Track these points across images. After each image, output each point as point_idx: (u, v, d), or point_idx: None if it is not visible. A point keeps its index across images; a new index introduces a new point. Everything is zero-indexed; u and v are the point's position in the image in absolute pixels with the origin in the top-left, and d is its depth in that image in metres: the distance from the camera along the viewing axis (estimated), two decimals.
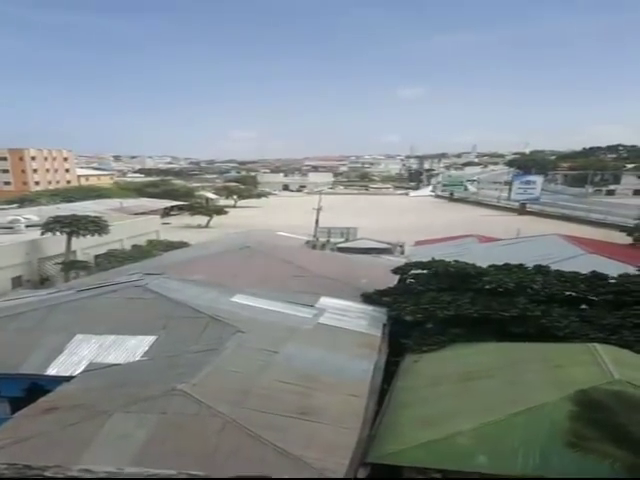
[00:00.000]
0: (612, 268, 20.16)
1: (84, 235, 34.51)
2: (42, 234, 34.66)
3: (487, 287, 17.26)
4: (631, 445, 7.79)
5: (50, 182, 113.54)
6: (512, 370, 13.35)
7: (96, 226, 35.08)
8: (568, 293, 17.46)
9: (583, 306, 17.26)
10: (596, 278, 17.59)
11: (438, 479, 9.42)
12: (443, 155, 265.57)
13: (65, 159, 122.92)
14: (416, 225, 60.43)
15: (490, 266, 18.67)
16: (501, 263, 19.06)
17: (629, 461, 7.58)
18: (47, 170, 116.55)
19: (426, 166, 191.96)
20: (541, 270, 18.58)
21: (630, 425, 8.11)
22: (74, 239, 35.01)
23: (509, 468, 9.05)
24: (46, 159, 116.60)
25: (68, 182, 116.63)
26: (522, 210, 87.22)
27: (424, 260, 20.30)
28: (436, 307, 16.81)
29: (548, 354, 14.10)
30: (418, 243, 39.87)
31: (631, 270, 19.43)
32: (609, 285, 17.21)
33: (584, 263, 22.53)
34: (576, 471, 8.57)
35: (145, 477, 6.67)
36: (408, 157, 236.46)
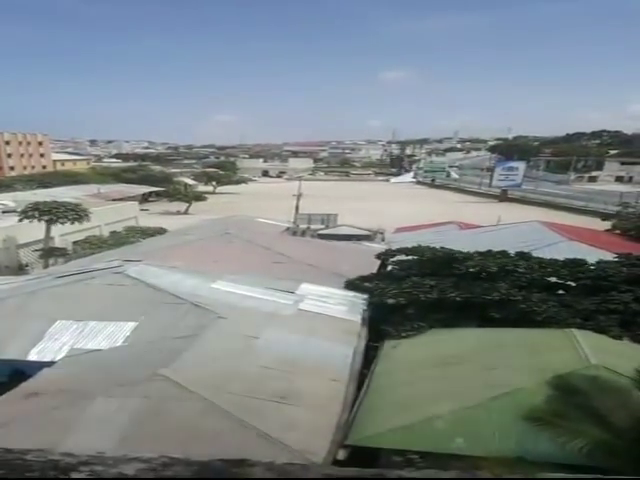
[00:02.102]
0: (591, 254, 20.51)
1: (63, 223, 34.16)
2: (20, 221, 34.25)
3: (471, 270, 17.49)
4: (603, 428, 8.02)
5: (25, 167, 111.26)
6: (490, 355, 13.58)
7: (75, 214, 34.71)
8: (548, 279, 17.73)
9: (561, 292, 17.54)
10: (575, 264, 17.85)
11: (416, 460, 9.58)
12: (425, 141, 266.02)
13: (40, 143, 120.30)
14: (396, 211, 60.44)
15: (474, 252, 18.87)
16: (482, 249, 19.28)
17: (602, 438, 7.80)
18: (22, 155, 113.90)
19: (408, 152, 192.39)
20: (523, 256, 18.82)
21: (603, 409, 8.33)
22: (52, 225, 34.64)
23: (485, 450, 9.23)
24: (20, 143, 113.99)
25: (44, 167, 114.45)
26: (503, 197, 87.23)
27: (409, 246, 20.45)
28: (419, 291, 16.98)
29: (527, 339, 14.33)
30: (398, 230, 39.98)
31: (608, 256, 19.77)
32: (587, 271, 17.48)
33: (564, 249, 22.94)
34: (550, 453, 8.76)
35: (125, 459, 6.63)
36: (390, 143, 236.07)
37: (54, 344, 13.97)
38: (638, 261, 17.96)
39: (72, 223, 34.48)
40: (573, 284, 17.52)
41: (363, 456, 9.84)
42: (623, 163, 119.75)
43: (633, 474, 7.52)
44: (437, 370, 13.13)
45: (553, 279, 17.76)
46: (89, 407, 10.06)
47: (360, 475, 1.18)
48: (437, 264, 18.31)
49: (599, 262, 17.99)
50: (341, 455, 9.56)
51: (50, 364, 12.91)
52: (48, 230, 34.48)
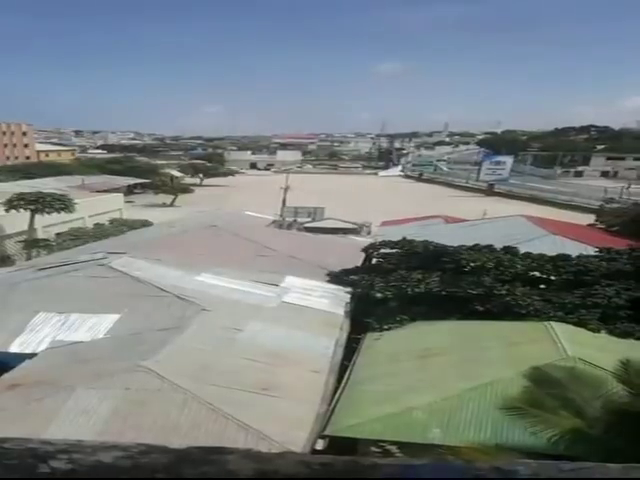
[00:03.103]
0: (574, 249, 20.77)
1: (49, 213, 33.88)
2: (7, 211, 33.94)
3: (472, 265, 17.63)
4: (578, 418, 8.17)
5: (8, 157, 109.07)
6: (469, 347, 13.77)
7: (62, 204, 34.44)
8: (532, 273, 17.88)
9: (543, 286, 17.69)
10: (559, 259, 18.01)
11: (393, 451, 9.71)
12: (414, 134, 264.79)
13: (24, 134, 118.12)
14: (383, 205, 60.48)
15: (460, 246, 18.98)
16: (467, 243, 19.43)
17: (576, 427, 7.95)
18: (5, 145, 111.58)
19: (397, 145, 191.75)
20: (509, 251, 18.96)
21: (578, 399, 8.48)
22: (36, 216, 34.36)
23: (461, 440, 9.37)
24: (4, 133, 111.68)
25: (27, 158, 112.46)
26: (490, 191, 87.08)
27: (395, 239, 20.52)
28: (406, 285, 17.08)
29: (505, 332, 14.53)
30: (384, 223, 40.06)
31: (590, 250, 19.99)
32: (570, 265, 17.64)
33: (547, 244, 23.15)
34: (524, 442, 8.94)
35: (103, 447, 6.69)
36: (379, 136, 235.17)
37: (36, 336, 13.96)
38: (618, 255, 18.16)
39: (58, 213, 34.17)
40: (556, 278, 17.69)
41: (342, 446, 9.95)
42: (609, 158, 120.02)
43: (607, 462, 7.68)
44: (417, 362, 13.28)
45: (537, 273, 17.91)
46: (70, 398, 10.10)
47: (334, 462, 1.24)
48: (425, 257, 18.41)
49: (579, 256, 18.18)
50: (320, 445, 9.69)
51: (32, 356, 12.92)
52: (32, 220, 34.19)
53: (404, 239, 19.97)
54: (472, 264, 17.63)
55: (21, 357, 12.81)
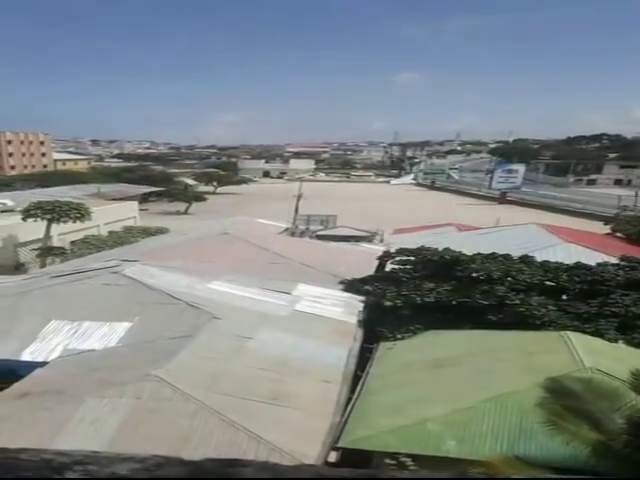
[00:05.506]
0: (588, 257, 20.56)
1: (65, 222, 34.08)
2: (23, 220, 34.15)
3: (473, 275, 17.36)
4: (597, 431, 7.99)
5: (26, 166, 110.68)
6: (484, 357, 13.57)
7: (78, 212, 34.64)
8: (548, 282, 17.63)
9: (565, 296, 17.43)
10: (577, 268, 17.74)
11: (407, 463, 9.55)
12: (427, 143, 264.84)
13: (42, 143, 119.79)
14: (395, 213, 60.38)
15: (476, 254, 18.77)
16: (481, 251, 19.21)
17: (596, 441, 7.78)
18: (23, 154, 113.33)
19: (409, 154, 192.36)
20: (525, 260, 18.74)
21: (597, 412, 8.30)
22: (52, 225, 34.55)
23: (477, 453, 9.22)
24: (22, 143, 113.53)
25: (45, 166, 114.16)
26: (502, 199, 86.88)
27: (411, 247, 20.32)
28: (417, 294, 16.89)
29: (521, 342, 14.31)
30: (397, 231, 39.93)
31: (605, 259, 19.73)
32: (586, 274, 17.39)
33: (561, 252, 22.93)
34: (541, 455, 8.76)
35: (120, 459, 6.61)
36: (391, 145, 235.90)
37: (47, 344, 13.96)
38: (638, 264, 17.86)
39: (74, 222, 34.39)
40: (573, 287, 17.43)
41: (355, 459, 9.82)
42: (622, 166, 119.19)
43: (626, 477, 7.51)
44: (431, 372, 13.11)
45: (553, 283, 17.64)
46: (81, 408, 10.06)
47: (353, 475, 1.16)
48: (440, 266, 18.20)
49: (599, 264, 17.94)
50: (333, 457, 9.56)
51: (43, 364, 12.91)
52: (48, 229, 34.41)
53: (420, 247, 19.75)
54: (475, 274, 17.40)
55: (32, 365, 12.79)
